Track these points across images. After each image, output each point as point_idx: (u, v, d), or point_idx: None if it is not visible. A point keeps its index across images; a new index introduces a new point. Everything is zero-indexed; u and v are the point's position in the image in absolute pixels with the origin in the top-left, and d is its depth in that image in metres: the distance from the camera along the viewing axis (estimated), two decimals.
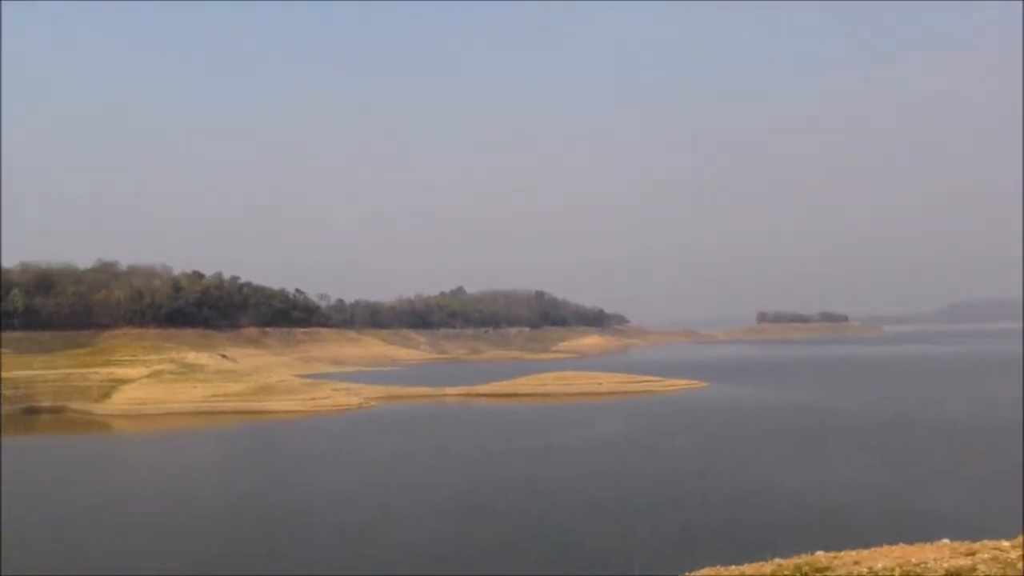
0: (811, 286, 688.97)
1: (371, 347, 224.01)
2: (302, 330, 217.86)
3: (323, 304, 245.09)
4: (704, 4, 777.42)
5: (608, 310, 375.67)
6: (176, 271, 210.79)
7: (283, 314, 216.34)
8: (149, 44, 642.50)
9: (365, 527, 34.92)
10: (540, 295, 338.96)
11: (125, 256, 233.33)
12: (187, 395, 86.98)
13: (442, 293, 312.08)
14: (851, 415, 71.21)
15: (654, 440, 59.05)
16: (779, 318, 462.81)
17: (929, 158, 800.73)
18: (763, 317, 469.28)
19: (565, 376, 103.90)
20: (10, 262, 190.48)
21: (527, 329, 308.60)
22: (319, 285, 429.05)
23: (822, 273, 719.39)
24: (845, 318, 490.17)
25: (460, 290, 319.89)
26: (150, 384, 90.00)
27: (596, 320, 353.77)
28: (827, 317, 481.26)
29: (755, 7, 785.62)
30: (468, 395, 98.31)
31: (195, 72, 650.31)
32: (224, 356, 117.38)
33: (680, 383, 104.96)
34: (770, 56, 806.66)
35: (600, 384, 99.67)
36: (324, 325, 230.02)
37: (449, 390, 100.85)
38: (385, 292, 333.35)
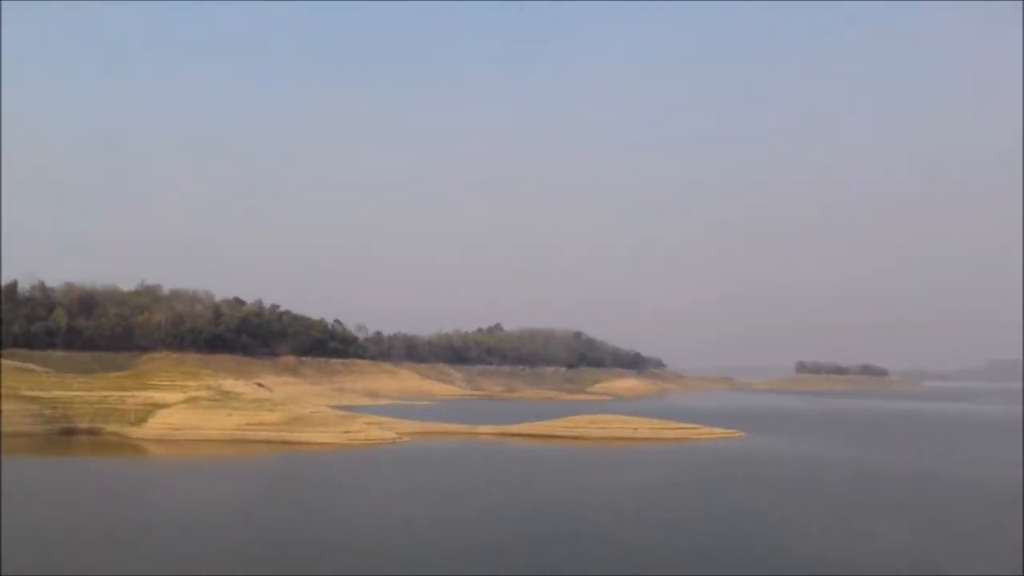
0: (852, 337, 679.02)
1: (406, 380, 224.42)
2: (339, 361, 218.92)
3: (361, 336, 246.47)
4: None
5: (646, 353, 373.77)
6: (218, 297, 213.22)
7: (321, 344, 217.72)
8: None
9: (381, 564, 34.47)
10: (578, 335, 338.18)
11: (169, 280, 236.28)
12: (222, 422, 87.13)
13: (480, 330, 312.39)
14: (890, 474, 69.57)
15: (685, 490, 58.06)
16: (818, 369, 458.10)
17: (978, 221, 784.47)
18: (802, 367, 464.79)
19: (600, 419, 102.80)
20: (55, 281, 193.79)
21: (563, 369, 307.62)
22: (359, 317, 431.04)
23: (864, 324, 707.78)
24: (885, 372, 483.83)
25: (498, 327, 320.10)
26: (186, 410, 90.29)
27: (633, 363, 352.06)
28: (867, 370, 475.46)
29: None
30: (502, 434, 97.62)
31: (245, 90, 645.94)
32: (260, 384, 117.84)
33: (716, 431, 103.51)
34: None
35: (635, 429, 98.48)
36: (361, 356, 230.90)
37: (483, 428, 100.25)
38: (424, 327, 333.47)
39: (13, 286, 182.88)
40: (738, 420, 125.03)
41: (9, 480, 59.10)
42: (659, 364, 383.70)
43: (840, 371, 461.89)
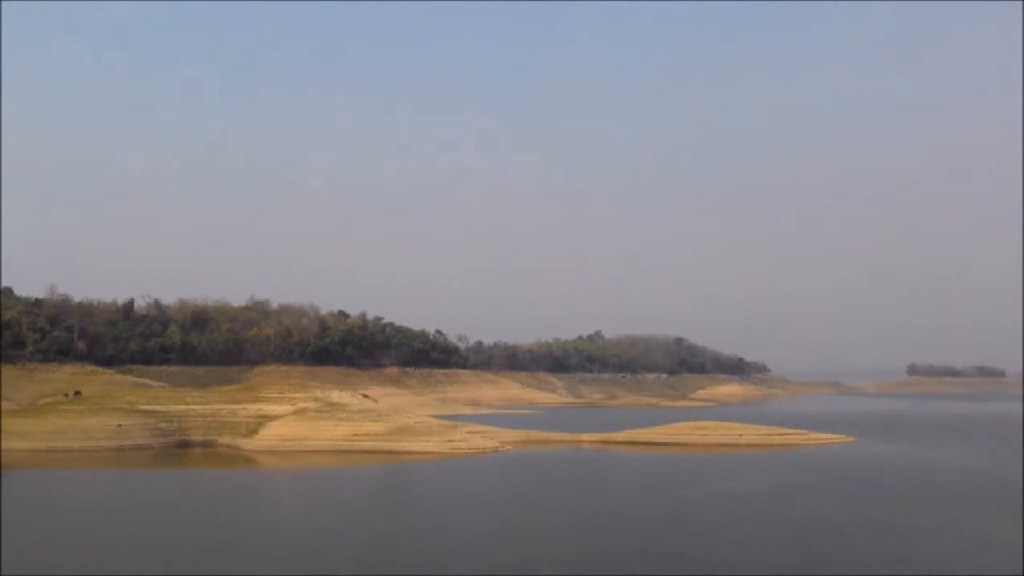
0: (967, 338, 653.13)
1: (508, 389, 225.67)
2: (441, 371, 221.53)
3: (462, 346, 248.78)
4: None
5: (748, 358, 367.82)
6: (323, 310, 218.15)
7: (423, 354, 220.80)
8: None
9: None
10: (679, 341, 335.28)
11: (276, 295, 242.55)
12: (329, 433, 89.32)
13: (580, 337, 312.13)
14: (1008, 480, 67.08)
15: (792, 497, 57.09)
16: (931, 371, 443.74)
17: None
18: (913, 369, 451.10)
19: (703, 426, 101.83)
20: (170, 299, 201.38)
21: (665, 375, 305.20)
22: (458, 327, 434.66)
23: (978, 325, 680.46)
24: (1002, 373, 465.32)
25: (598, 335, 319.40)
26: (295, 421, 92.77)
27: (736, 368, 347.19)
28: (983, 371, 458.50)
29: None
30: (604, 442, 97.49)
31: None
32: (366, 395, 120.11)
33: (825, 437, 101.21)
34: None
35: (740, 436, 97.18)
36: (463, 366, 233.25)
37: (585, 436, 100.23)
38: (524, 335, 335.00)
39: (130, 304, 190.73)
40: (848, 425, 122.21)
41: (134, 491, 62.01)
42: (763, 368, 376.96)
43: (954, 373, 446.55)
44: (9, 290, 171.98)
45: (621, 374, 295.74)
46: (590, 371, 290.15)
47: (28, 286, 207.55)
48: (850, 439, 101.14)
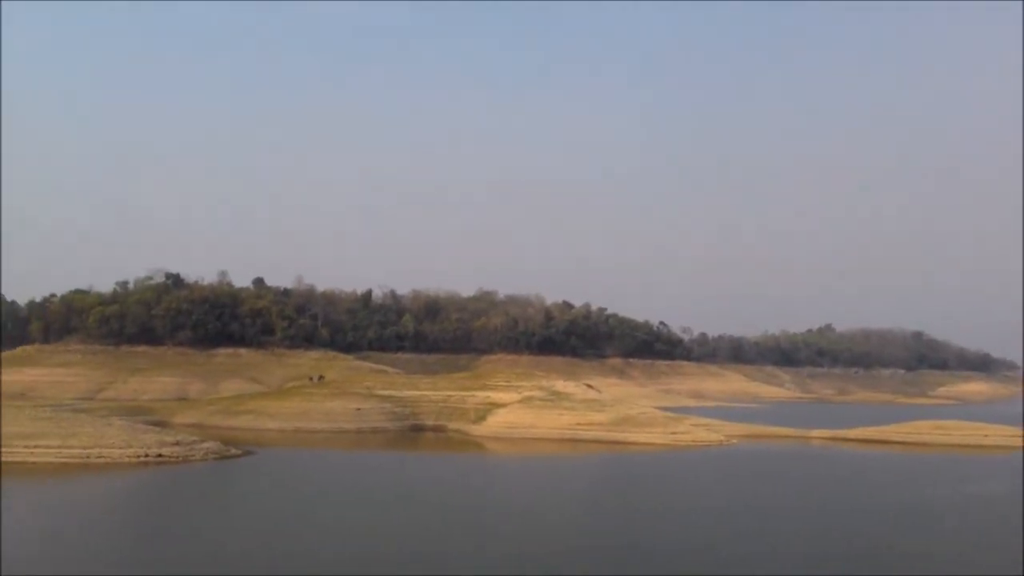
0: None
1: (733, 382, 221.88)
2: (664, 362, 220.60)
3: (686, 337, 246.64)
4: None
5: (995, 354, 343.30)
6: (548, 301, 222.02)
7: (646, 346, 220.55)
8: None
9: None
10: (918, 336, 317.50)
11: (503, 286, 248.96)
12: (554, 421, 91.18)
13: (809, 330, 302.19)
14: None
15: None
16: None
17: None
18: None
19: (943, 425, 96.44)
20: (404, 290, 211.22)
21: (901, 371, 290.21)
22: (680, 318, 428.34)
23: None
24: None
25: (828, 327, 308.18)
26: (521, 409, 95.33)
27: (981, 365, 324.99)
28: None
29: None
30: (834, 439, 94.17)
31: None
32: (589, 386, 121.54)
33: None
34: None
35: (985, 436, 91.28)
36: (686, 358, 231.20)
37: (814, 432, 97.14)
38: (748, 327, 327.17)
39: (368, 294, 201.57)
40: None
41: (378, 473, 65.73)
42: (1012, 366, 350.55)
43: None
44: (261, 280, 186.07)
45: (853, 369, 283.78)
46: (820, 365, 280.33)
47: (278, 276, 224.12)
48: None
